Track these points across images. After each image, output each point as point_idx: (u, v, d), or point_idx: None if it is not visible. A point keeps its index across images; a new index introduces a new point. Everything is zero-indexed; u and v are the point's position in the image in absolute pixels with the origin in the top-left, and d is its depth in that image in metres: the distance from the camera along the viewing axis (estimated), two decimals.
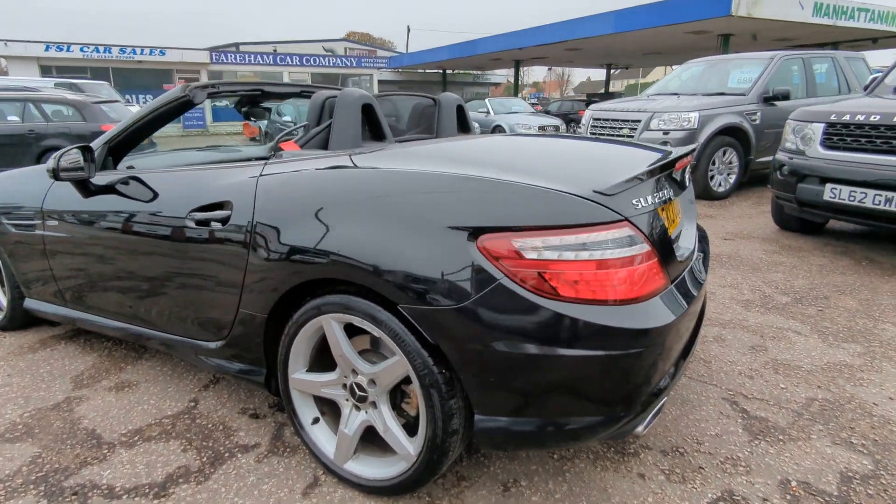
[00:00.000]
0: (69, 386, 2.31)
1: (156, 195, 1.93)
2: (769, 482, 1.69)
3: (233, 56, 26.23)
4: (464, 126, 2.60)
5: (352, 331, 1.58)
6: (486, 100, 13.93)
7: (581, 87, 71.07)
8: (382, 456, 1.63)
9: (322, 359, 1.73)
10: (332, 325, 1.54)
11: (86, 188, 2.14)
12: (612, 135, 6.43)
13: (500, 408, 1.36)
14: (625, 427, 1.37)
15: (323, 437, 1.71)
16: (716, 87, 6.76)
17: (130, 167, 2.52)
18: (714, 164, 6.07)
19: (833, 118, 4.03)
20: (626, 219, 1.30)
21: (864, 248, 4.42)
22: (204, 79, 24.95)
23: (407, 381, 1.50)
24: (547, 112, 17.71)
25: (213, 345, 1.90)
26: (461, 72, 33.99)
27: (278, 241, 1.58)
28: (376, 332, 1.45)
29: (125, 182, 2.04)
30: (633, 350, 1.27)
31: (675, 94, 6.85)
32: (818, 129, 4.13)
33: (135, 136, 2.23)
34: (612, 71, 29.12)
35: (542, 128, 12.58)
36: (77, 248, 2.20)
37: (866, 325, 2.95)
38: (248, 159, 3.08)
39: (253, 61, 26.69)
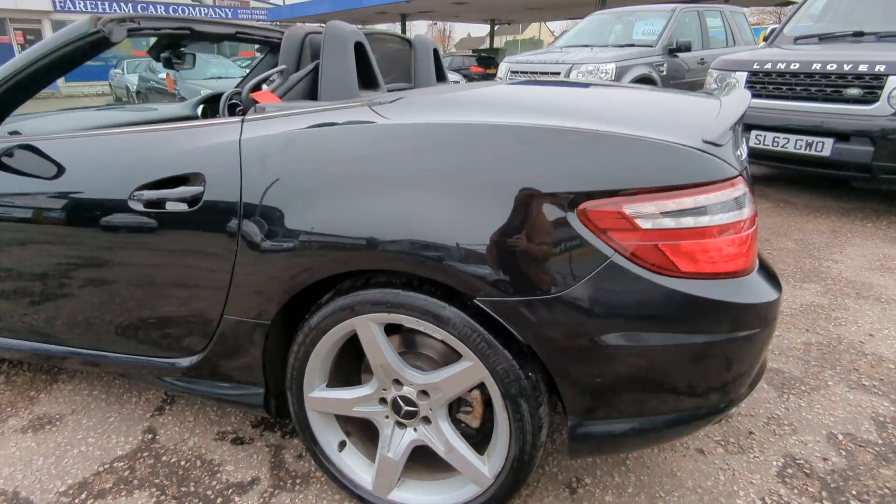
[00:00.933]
0: None
1: (75, 170, 1.41)
2: (818, 439, 1.65)
3: (82, 3, 22.40)
4: (440, 74, 2.25)
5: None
6: None
7: (462, 44, 70.81)
8: (437, 479, 1.35)
9: (339, 370, 1.39)
10: (371, 329, 1.20)
11: None
12: None
13: (606, 410, 1.13)
14: (734, 409, 1.21)
15: (355, 465, 1.38)
16: (622, 38, 6.86)
17: (15, 132, 1.88)
18: None
19: (755, 67, 4.18)
20: (740, 174, 1.10)
21: (777, 190, 4.74)
22: (48, 31, 21.15)
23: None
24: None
25: (183, 362, 1.46)
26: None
27: (288, 224, 1.19)
28: (439, 333, 1.15)
29: (15, 152, 1.47)
30: (758, 328, 1.10)
31: (587, 45, 6.86)
32: (741, 77, 4.26)
33: (19, 91, 1.63)
34: (494, 27, 29.15)
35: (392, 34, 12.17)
36: None
37: (812, 264, 3.11)
38: (180, 119, 2.50)
39: (108, 10, 23.08)
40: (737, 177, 1.08)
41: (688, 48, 6.49)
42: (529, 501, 1.43)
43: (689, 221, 1.04)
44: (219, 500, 1.44)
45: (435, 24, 52.92)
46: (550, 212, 1.03)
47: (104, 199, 1.37)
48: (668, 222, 1.03)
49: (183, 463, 1.58)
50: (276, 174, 1.21)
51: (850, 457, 1.58)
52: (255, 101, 1.46)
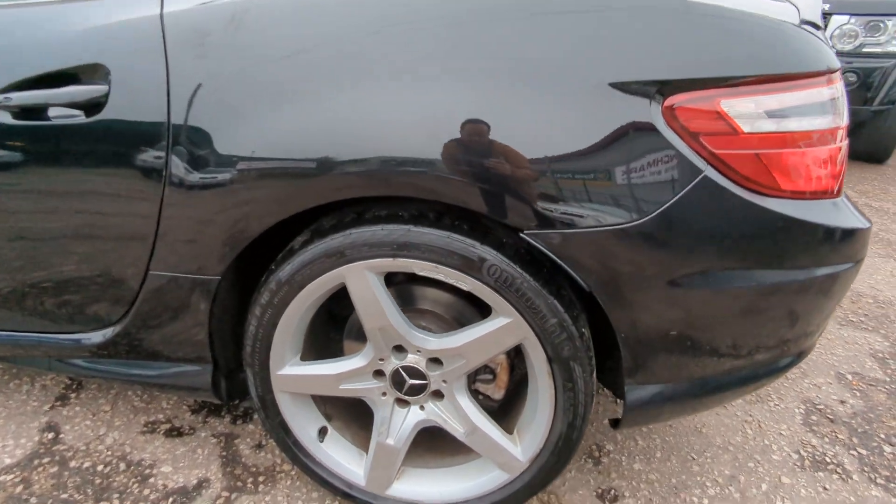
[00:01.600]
0: None
1: None
2: (829, 381, 1.56)
3: None
4: None
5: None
6: None
7: None
8: (447, 465, 1.09)
9: (313, 341, 1.07)
10: (368, 281, 0.89)
11: None
12: None
13: (676, 371, 0.90)
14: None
15: (339, 456, 1.08)
16: None
17: None
18: None
19: None
20: (840, 68, 0.87)
21: None
22: None
23: None
24: None
25: (93, 338, 1.07)
26: None
27: (244, 138, 0.83)
28: (465, 283, 0.85)
29: None
30: (857, 260, 0.90)
31: None
32: None
33: None
34: None
35: None
36: None
37: None
38: None
39: None
40: (837, 70, 0.84)
41: None
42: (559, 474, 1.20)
43: (792, 124, 0.80)
44: None
45: None
46: (629, 109, 0.75)
47: None
48: (769, 125, 0.79)
49: (100, 468, 1.20)
50: (222, 62, 0.84)
51: (865, 398, 1.49)
52: None
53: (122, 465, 1.21)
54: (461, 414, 0.98)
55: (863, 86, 3.55)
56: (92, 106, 0.89)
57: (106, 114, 0.88)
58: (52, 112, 0.91)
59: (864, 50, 3.54)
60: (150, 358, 1.08)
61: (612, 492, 1.17)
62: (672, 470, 1.23)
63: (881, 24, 3.49)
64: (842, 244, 0.87)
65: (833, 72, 0.83)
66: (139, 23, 0.87)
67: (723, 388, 0.94)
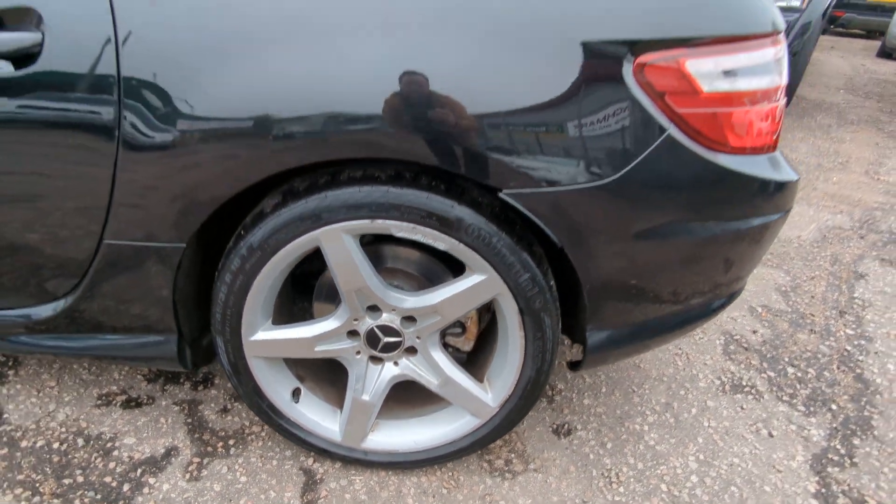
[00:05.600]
0: None
1: None
2: (743, 314, 1.76)
3: None
4: None
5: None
6: None
7: None
8: (419, 414, 1.14)
9: (283, 299, 1.07)
10: (344, 243, 0.89)
11: None
12: None
13: (632, 314, 0.99)
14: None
15: (314, 415, 1.11)
16: None
17: None
18: None
19: None
20: (784, 28, 0.94)
21: None
22: None
23: None
24: None
25: (42, 312, 1.01)
26: None
27: (211, 93, 0.79)
28: (442, 243, 0.88)
29: None
30: (788, 208, 1.01)
31: None
32: None
33: None
34: None
35: None
36: None
37: None
38: None
39: None
40: (780, 31, 0.92)
41: None
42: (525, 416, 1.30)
43: (742, 84, 0.87)
44: (125, 486, 1.08)
45: None
46: (603, 68, 0.79)
47: None
48: (724, 84, 0.85)
49: (56, 445, 1.16)
50: (180, 8, 0.78)
51: (772, 327, 1.70)
52: None
53: (80, 441, 1.17)
54: (435, 367, 1.03)
55: None
56: (21, 56, 0.80)
57: (41, 65, 0.80)
58: None
59: None
60: (108, 331, 1.04)
61: (566, 426, 1.29)
62: (616, 402, 1.36)
63: None
64: (777, 195, 0.97)
65: (778, 32, 0.90)
66: None
67: (667, 329, 1.05)
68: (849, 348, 1.62)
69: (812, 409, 1.38)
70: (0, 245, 0.93)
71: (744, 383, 1.45)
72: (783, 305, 1.81)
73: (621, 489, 1.14)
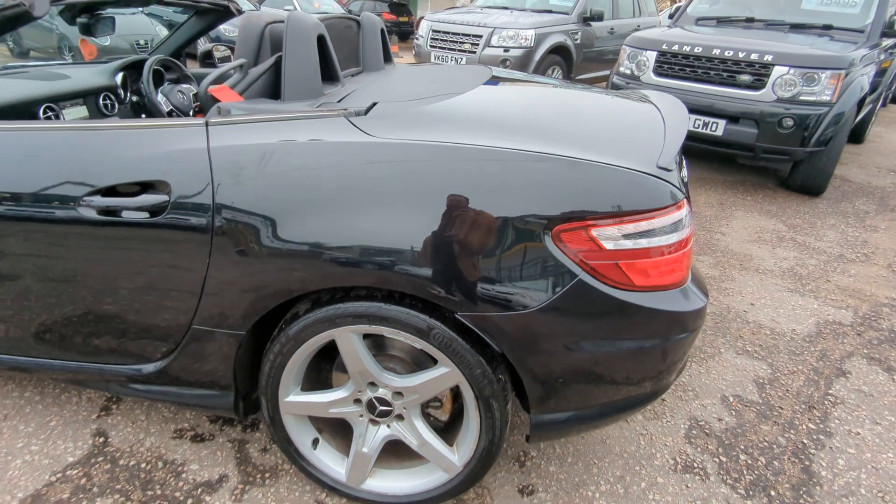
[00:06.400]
0: None
1: (9, 167, 1.30)
2: (714, 402, 1.97)
3: None
4: (387, 56, 2.25)
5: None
6: None
7: None
8: (406, 467, 1.48)
9: (308, 371, 1.45)
10: (351, 340, 1.27)
11: None
12: (455, 48, 6.28)
13: (565, 404, 1.30)
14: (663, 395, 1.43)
15: (328, 460, 1.47)
16: (539, 3, 6.96)
17: None
18: None
19: (664, 47, 4.48)
20: (686, 197, 1.27)
21: None
22: None
23: None
24: (350, 12, 16.47)
25: (146, 369, 1.44)
26: None
27: (268, 238, 1.20)
28: (418, 343, 1.24)
29: None
30: (691, 330, 1.30)
31: (506, 7, 6.88)
32: (651, 56, 4.55)
33: None
34: None
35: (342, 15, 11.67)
36: None
37: (705, 236, 3.53)
38: (99, 90, 2.28)
39: None
40: (682, 200, 1.24)
41: (601, 18, 6.73)
42: (486, 475, 1.60)
43: (644, 242, 1.19)
44: (189, 501, 1.48)
45: None
46: (529, 235, 1.14)
47: (51, 202, 1.28)
48: (627, 243, 1.18)
49: (143, 465, 1.58)
50: (254, 188, 1.21)
51: (738, 416, 1.91)
52: (215, 100, 1.40)
53: (160, 464, 1.59)
54: (415, 431, 1.37)
55: (799, 128, 3.99)
56: (156, 209, 1.25)
57: (168, 215, 1.25)
58: (125, 213, 1.27)
59: (801, 98, 3.98)
60: (189, 386, 1.46)
61: (530, 487, 1.57)
62: (577, 471, 1.64)
63: (816, 76, 3.93)
64: (682, 320, 1.27)
65: (677, 202, 1.22)
66: (193, 153, 1.23)
67: (596, 417, 1.34)
68: (805, 441, 1.80)
69: (751, 493, 1.59)
70: (127, 321, 1.38)
71: (695, 465, 1.68)
72: (756, 397, 2.02)
73: None
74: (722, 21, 5.01)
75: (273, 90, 1.58)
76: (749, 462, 1.71)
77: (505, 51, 5.97)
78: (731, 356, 2.26)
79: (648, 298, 1.22)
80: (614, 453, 1.71)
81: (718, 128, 4.21)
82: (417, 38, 6.74)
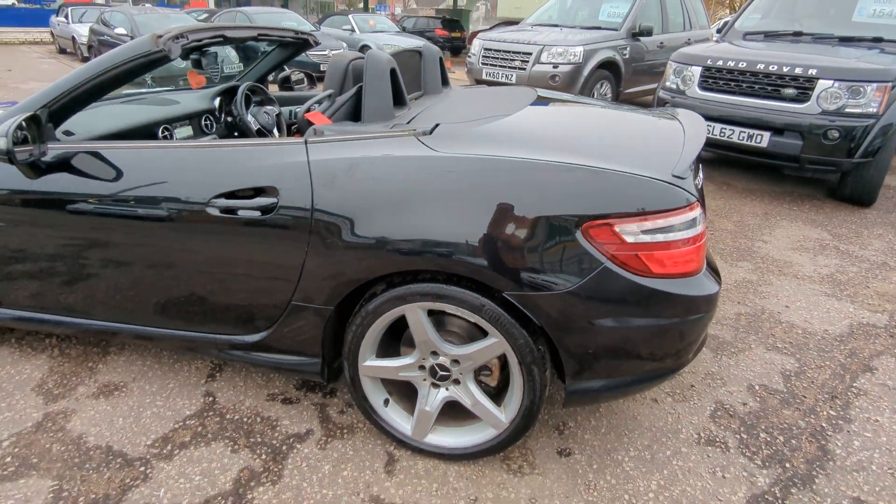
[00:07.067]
0: (38, 400, 2.00)
1: (150, 175, 1.68)
2: (741, 389, 2.16)
3: None
4: (444, 80, 2.57)
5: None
6: (350, 16, 13.01)
7: (424, 0, 68.96)
8: (462, 425, 1.76)
9: (383, 342, 1.76)
10: (418, 314, 1.57)
11: (32, 166, 1.76)
12: (505, 66, 6.60)
13: (595, 373, 1.55)
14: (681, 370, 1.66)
15: (396, 417, 1.77)
16: (588, 19, 7.19)
17: (68, 132, 2.10)
18: (593, 96, 6.60)
19: (709, 62, 4.63)
20: (698, 200, 1.51)
21: (721, 174, 5.29)
22: None
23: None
24: (403, 29, 17.16)
25: (251, 339, 1.80)
26: None
27: (354, 232, 1.52)
28: (472, 317, 1.53)
29: (85, 158, 1.74)
30: (704, 312, 1.53)
31: (556, 25, 7.16)
32: (697, 71, 4.71)
33: (83, 99, 1.85)
34: None
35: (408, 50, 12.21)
36: (28, 241, 1.84)
37: (746, 244, 3.65)
38: (201, 113, 2.72)
39: None
40: (695, 203, 1.48)
41: (650, 33, 6.89)
42: (528, 441, 1.86)
43: (660, 237, 1.44)
44: (283, 447, 1.81)
45: None
46: (563, 230, 1.42)
47: (185, 202, 1.65)
48: (646, 237, 1.44)
49: (245, 420, 1.93)
50: (342, 192, 1.54)
51: (762, 402, 2.09)
52: (310, 123, 1.76)
53: (258, 419, 1.93)
54: (470, 393, 1.66)
55: (845, 140, 4.06)
56: (268, 208, 1.60)
57: (276, 214, 1.59)
58: (240, 211, 1.62)
59: (847, 110, 4.05)
60: (284, 353, 1.80)
61: (567, 450, 1.82)
62: (609, 440, 1.87)
63: (861, 89, 4.00)
64: (696, 303, 1.51)
65: (690, 204, 1.47)
66: (296, 165, 1.58)
67: (625, 385, 1.58)
68: (824, 425, 1.97)
69: (767, 464, 1.78)
70: (239, 298, 1.73)
71: (717, 439, 1.89)
72: (780, 386, 2.19)
73: (595, 493, 1.66)
74: (769, 35, 5.10)
75: (354, 114, 1.92)
76: (768, 439, 1.89)
77: (554, 67, 6.23)
78: (761, 351, 2.42)
79: (665, 284, 1.46)
80: (643, 427, 1.94)
81: (763, 140, 4.32)
82: (470, 56, 7.10)
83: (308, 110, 1.85)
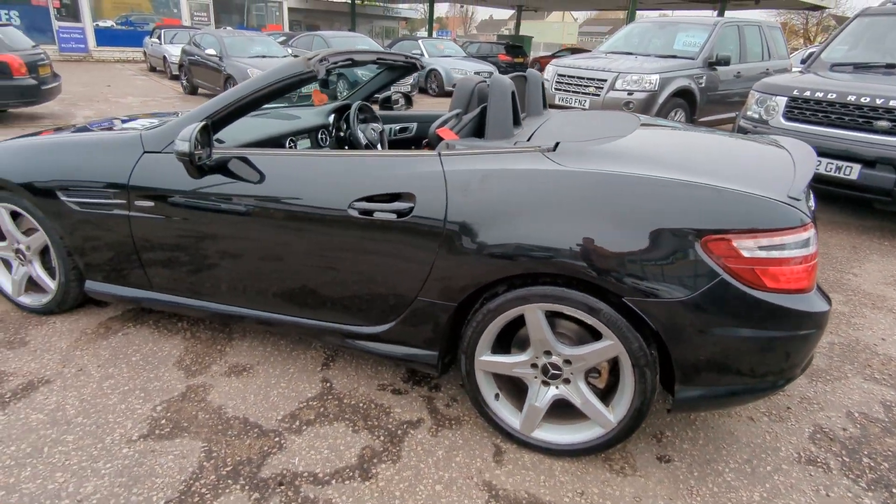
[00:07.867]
0: (180, 374, 2.26)
1: (296, 180, 1.91)
2: (839, 415, 2.16)
3: None
4: (544, 103, 2.74)
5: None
6: (420, 41, 13.57)
7: (484, 26, 70.43)
8: (568, 423, 1.87)
9: (498, 340, 1.90)
10: (537, 314, 1.71)
11: (198, 167, 2.02)
12: (579, 91, 6.74)
13: (704, 381, 1.64)
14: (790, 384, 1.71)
15: (506, 411, 1.91)
16: (663, 48, 7.24)
17: (219, 140, 2.39)
18: None
19: (795, 93, 4.61)
20: (812, 221, 1.58)
21: None
22: None
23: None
24: (468, 54, 17.63)
25: (373, 329, 1.98)
26: (370, 2, 32.29)
27: (482, 236, 1.68)
28: (589, 319, 1.65)
29: (239, 162, 1.99)
30: (814, 329, 1.59)
31: (630, 53, 7.25)
32: (781, 101, 4.69)
33: (239, 112, 2.13)
34: (521, 13, 29.21)
35: (477, 73, 12.59)
36: (187, 233, 2.11)
37: (835, 276, 3.59)
38: (318, 128, 3.00)
39: None
40: (808, 223, 1.57)
41: (727, 62, 6.88)
42: (628, 445, 1.95)
43: (775, 253, 1.53)
44: (399, 431, 1.98)
45: (463, 7, 52.51)
46: (683, 242, 1.53)
47: (328, 204, 1.87)
48: (761, 253, 1.53)
49: (361, 405, 2.11)
50: (475, 199, 1.71)
51: (863, 429, 2.09)
52: (440, 138, 1.95)
53: (373, 405, 2.11)
54: (580, 392, 1.77)
55: None
56: (403, 212, 1.79)
57: (412, 217, 1.78)
58: (377, 214, 1.82)
59: None
60: (404, 345, 1.97)
61: (667, 457, 1.90)
62: (708, 451, 1.93)
63: None
64: (806, 319, 1.58)
65: (804, 224, 1.55)
66: (433, 174, 1.77)
67: (735, 395, 1.66)
68: None
69: (873, 488, 1.79)
70: (369, 292, 1.93)
71: (818, 460, 1.91)
72: (882, 416, 2.17)
73: (698, 499, 1.72)
74: (859, 67, 5.02)
75: (477, 131, 2.10)
76: (871, 465, 1.90)
77: (629, 94, 6.32)
78: (859, 381, 2.41)
79: (778, 298, 1.54)
80: (741, 442, 1.98)
81: (853, 172, 4.24)
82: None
83: (439, 126, 2.04)
